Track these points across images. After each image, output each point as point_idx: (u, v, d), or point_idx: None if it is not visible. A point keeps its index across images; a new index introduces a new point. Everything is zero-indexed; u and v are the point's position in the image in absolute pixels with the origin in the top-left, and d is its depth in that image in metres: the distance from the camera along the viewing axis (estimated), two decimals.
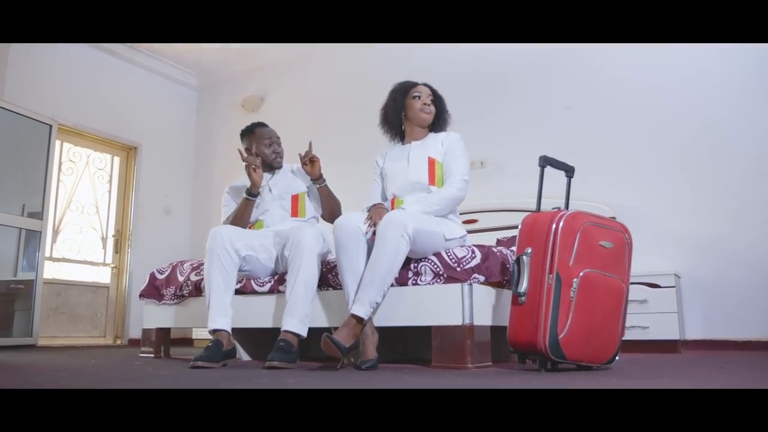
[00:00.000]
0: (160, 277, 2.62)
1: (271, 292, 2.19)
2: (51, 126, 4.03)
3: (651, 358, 2.39)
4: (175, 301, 2.48)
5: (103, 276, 4.78)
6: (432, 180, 2.06)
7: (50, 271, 4.34)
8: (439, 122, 2.13)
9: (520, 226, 1.76)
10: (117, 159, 5.00)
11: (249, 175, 2.26)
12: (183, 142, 5.48)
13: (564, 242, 1.64)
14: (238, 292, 2.15)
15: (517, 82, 3.85)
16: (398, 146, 2.20)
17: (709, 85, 3.29)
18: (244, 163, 2.27)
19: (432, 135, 2.14)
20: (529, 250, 1.70)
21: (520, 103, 3.82)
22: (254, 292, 2.22)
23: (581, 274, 1.64)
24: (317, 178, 2.33)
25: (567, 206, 2.02)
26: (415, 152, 2.11)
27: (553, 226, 1.65)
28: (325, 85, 4.86)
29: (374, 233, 1.84)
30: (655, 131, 3.38)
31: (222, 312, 2.02)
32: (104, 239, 4.82)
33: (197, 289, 2.40)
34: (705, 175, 3.23)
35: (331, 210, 2.39)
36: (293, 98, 5.03)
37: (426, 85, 2.14)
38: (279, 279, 2.20)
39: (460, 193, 2.01)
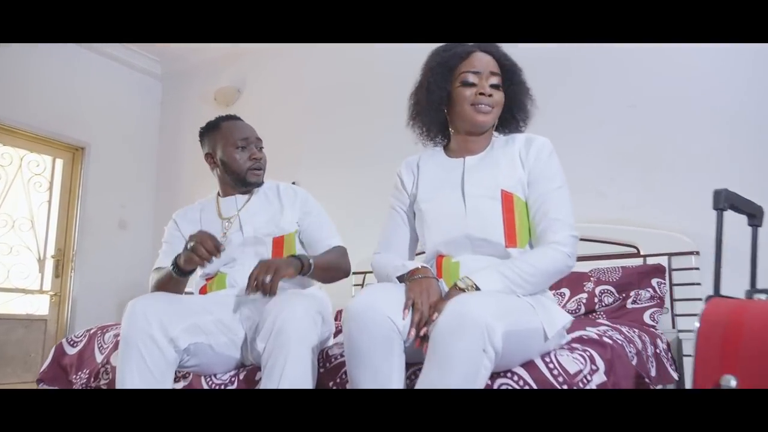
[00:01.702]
0: (70, 351, 1.76)
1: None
2: None
3: None
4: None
5: (39, 306, 3.90)
6: (511, 234, 1.23)
7: None
8: (512, 116, 1.31)
9: (699, 325, 0.94)
10: (59, 162, 4.11)
11: (189, 257, 1.41)
12: (143, 141, 4.60)
13: None
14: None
15: (564, 76, 3.04)
16: (440, 155, 1.37)
17: None
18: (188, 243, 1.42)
19: (500, 141, 1.32)
20: (733, 383, 0.88)
21: (570, 102, 3.01)
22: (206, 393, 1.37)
23: None
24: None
25: (754, 278, 1.20)
26: (473, 178, 1.27)
27: None
28: (317, 75, 4.00)
29: (422, 337, 1.02)
30: (756, 137, 2.58)
31: None
32: (41, 261, 3.94)
33: None
34: None
35: (332, 278, 1.58)
36: (277, 91, 4.16)
37: (488, 51, 1.27)
38: (248, 375, 1.37)
39: (569, 260, 1.19)
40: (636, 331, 1.70)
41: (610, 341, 1.26)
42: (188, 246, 1.39)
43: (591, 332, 1.33)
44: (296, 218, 1.63)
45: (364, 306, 1.05)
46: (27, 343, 3.80)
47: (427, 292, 1.10)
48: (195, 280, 1.69)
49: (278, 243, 1.59)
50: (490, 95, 1.25)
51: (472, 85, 1.25)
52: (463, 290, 1.10)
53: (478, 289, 1.11)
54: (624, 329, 1.56)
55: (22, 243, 3.86)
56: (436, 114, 1.30)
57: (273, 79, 4.22)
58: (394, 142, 3.66)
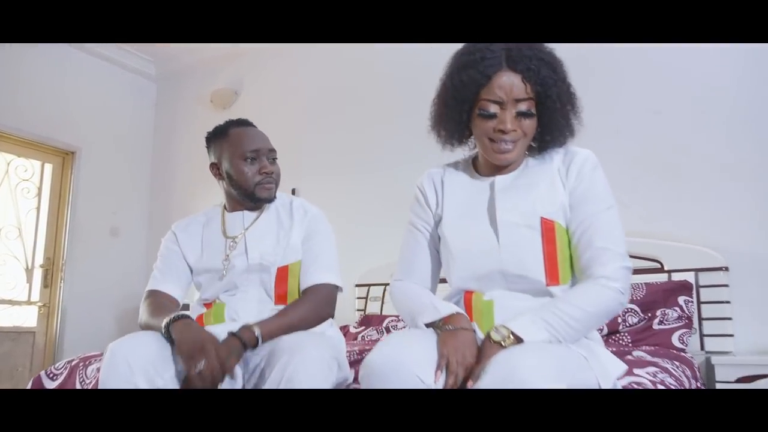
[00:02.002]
0: (49, 386, 1.59)
1: None
2: None
3: None
4: None
5: (27, 318, 3.73)
6: (552, 270, 1.06)
7: None
8: (550, 132, 1.10)
9: None
10: (48, 167, 3.94)
11: (191, 379, 1.11)
12: (136, 145, 4.42)
13: None
14: None
15: (584, 78, 2.87)
16: (467, 172, 1.19)
17: None
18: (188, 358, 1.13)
19: (534, 161, 1.14)
20: None
21: (590, 107, 2.83)
22: None
23: None
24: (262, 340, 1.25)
25: None
26: (507, 202, 1.10)
27: None
28: (317, 77, 3.82)
29: None
30: None
31: None
32: (29, 270, 3.76)
33: None
34: None
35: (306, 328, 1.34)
36: (275, 93, 3.99)
37: (516, 69, 1.03)
38: None
39: (621, 297, 1.02)
40: (678, 365, 1.55)
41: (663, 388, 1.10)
42: (195, 368, 1.09)
43: (644, 379, 1.17)
44: (301, 240, 1.46)
45: (388, 360, 0.89)
46: (14, 357, 3.63)
47: (463, 350, 0.93)
48: (192, 304, 1.52)
49: (282, 274, 1.41)
50: (513, 130, 1.05)
51: (492, 116, 1.05)
52: (499, 343, 0.94)
53: (517, 340, 0.95)
54: (669, 366, 1.41)
55: (8, 252, 3.68)
56: (459, 126, 1.13)
57: (271, 81, 4.05)
58: (397, 146, 3.51)
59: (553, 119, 1.07)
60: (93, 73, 4.13)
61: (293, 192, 3.55)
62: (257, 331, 1.21)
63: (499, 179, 1.12)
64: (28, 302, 3.74)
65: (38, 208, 3.87)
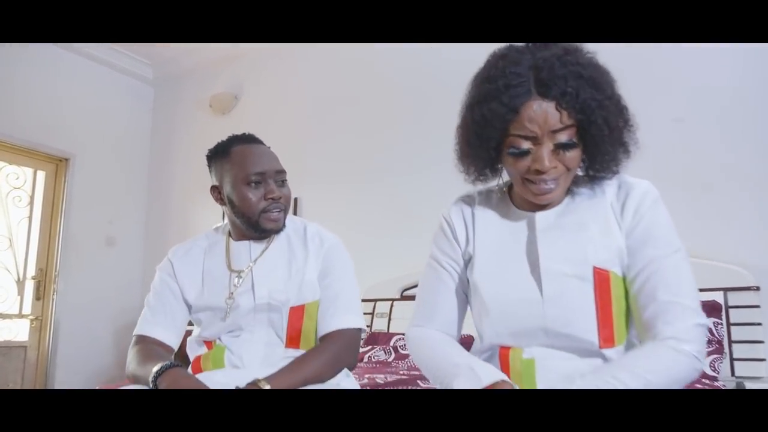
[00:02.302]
0: None
1: None
2: None
3: None
4: None
5: (18, 332, 3.60)
6: (607, 330, 0.91)
7: None
8: (599, 161, 0.92)
9: None
10: (41, 174, 3.80)
11: None
12: (133, 151, 4.29)
13: None
14: None
15: None
16: (503, 204, 1.03)
17: None
18: None
19: (582, 194, 0.98)
20: None
21: None
22: None
23: None
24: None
25: None
26: (551, 246, 0.94)
27: None
28: (321, 80, 3.68)
29: None
30: None
31: None
32: (20, 282, 3.63)
33: None
34: None
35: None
36: (276, 97, 3.85)
37: (548, 94, 0.85)
38: None
39: (696, 363, 0.85)
40: None
41: None
42: None
43: None
44: (317, 274, 1.29)
45: None
46: (5, 372, 3.49)
47: None
48: (190, 340, 1.36)
49: (297, 314, 1.25)
50: (553, 167, 0.87)
51: (525, 153, 0.87)
52: None
53: None
54: None
55: None
56: (490, 164, 0.96)
57: (272, 85, 3.91)
58: (405, 152, 3.32)
59: (601, 148, 0.89)
60: (87, 76, 4.00)
61: (295, 201, 3.41)
62: (266, 388, 1.07)
63: (541, 217, 0.96)
64: (20, 315, 3.61)
65: (30, 217, 3.73)
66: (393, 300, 3.02)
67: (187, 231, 3.88)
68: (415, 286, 3.09)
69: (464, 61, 3.17)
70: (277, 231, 1.30)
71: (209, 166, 1.35)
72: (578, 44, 0.91)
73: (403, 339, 2.84)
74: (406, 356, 2.65)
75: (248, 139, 1.32)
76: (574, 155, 0.89)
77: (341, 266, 1.32)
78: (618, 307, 0.91)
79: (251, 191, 1.24)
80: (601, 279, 0.90)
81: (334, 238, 1.36)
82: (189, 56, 4.21)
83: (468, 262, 1.03)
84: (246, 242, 1.32)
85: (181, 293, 1.31)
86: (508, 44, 0.94)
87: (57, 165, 3.86)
